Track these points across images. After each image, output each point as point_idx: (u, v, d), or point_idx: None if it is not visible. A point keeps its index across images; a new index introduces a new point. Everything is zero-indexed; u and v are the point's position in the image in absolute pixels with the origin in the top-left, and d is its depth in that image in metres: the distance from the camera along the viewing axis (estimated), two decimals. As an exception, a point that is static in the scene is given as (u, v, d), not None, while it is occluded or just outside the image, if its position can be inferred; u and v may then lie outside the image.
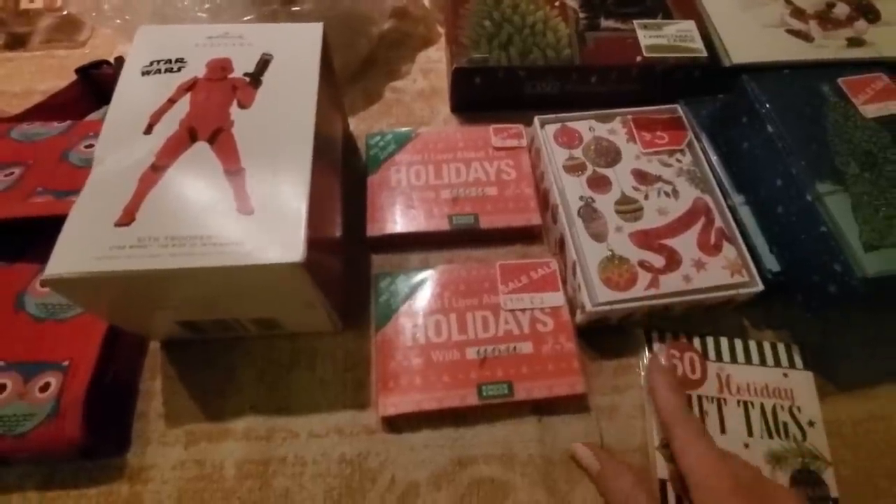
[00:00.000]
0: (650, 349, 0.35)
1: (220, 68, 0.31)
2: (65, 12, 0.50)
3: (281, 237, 0.25)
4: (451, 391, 0.32)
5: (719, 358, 0.35)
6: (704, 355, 0.35)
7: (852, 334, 0.37)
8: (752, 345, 0.35)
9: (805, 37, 0.45)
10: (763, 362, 0.35)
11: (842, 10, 0.48)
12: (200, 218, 0.25)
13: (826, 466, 0.32)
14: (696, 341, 0.35)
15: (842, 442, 0.33)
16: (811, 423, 0.33)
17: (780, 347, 0.35)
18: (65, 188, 0.32)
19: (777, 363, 0.35)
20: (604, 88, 0.45)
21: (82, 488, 0.30)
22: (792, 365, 0.35)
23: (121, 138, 0.28)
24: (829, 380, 0.35)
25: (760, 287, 0.34)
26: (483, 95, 0.45)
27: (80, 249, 0.24)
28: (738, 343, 0.35)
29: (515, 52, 0.42)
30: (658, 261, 0.35)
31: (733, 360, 0.35)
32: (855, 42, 0.45)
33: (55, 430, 0.28)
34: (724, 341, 0.35)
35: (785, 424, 0.33)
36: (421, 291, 0.36)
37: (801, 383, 0.34)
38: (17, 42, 0.50)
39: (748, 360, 0.35)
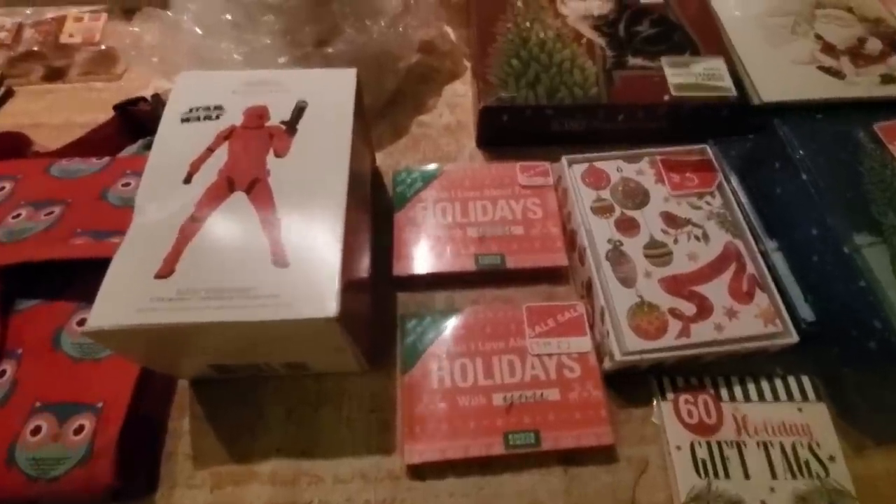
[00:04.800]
0: (662, 396, 0.34)
1: (257, 116, 0.31)
2: (102, 47, 0.51)
3: (316, 291, 0.25)
4: (477, 439, 0.32)
5: (732, 398, 0.34)
6: (718, 397, 0.34)
7: (890, 387, 0.36)
8: (764, 381, 0.35)
9: (837, 74, 0.44)
10: (776, 398, 0.34)
11: (874, 45, 0.47)
12: (238, 271, 0.26)
13: (853, 502, 0.31)
14: (708, 381, 0.34)
15: (874, 492, 0.32)
16: (832, 458, 0.32)
17: (791, 381, 0.35)
18: (104, 228, 0.33)
19: (790, 397, 0.34)
20: (630, 126, 0.45)
21: (111, 528, 0.31)
22: (805, 398, 0.34)
23: (161, 187, 0.28)
24: (864, 434, 0.34)
25: (795, 338, 0.33)
26: (509, 132, 0.45)
27: (121, 301, 0.25)
28: (750, 380, 0.35)
29: (543, 91, 0.43)
30: (689, 308, 0.34)
31: (746, 398, 0.34)
32: (889, 79, 0.44)
33: (88, 474, 0.28)
34: (734, 380, 0.35)
35: (807, 462, 0.32)
36: (447, 334, 0.36)
37: (817, 417, 0.33)
38: (56, 74, 0.52)
39: (761, 398, 0.34)
